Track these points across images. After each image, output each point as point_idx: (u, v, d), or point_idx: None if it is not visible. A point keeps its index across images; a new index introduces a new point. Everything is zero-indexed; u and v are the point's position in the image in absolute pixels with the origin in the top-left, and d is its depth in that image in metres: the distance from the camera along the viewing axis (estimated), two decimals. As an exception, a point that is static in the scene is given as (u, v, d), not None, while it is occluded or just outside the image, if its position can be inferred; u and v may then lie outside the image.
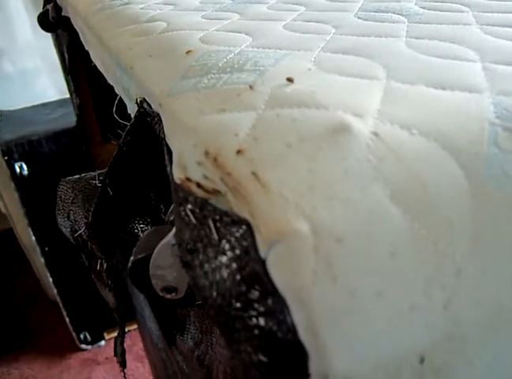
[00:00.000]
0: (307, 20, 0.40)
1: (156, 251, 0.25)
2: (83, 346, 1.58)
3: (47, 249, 1.41)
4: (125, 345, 0.66)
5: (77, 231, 0.46)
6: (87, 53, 0.56)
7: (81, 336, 1.57)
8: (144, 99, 0.33)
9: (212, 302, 0.19)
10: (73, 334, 1.55)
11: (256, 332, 0.18)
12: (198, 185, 0.21)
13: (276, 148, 0.19)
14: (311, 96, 0.22)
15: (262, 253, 0.17)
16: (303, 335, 0.16)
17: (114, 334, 1.67)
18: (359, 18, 0.40)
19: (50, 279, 1.45)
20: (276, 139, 0.19)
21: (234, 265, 0.18)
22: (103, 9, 0.51)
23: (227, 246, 0.19)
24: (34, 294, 1.73)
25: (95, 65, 0.54)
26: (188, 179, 0.21)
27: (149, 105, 0.32)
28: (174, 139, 0.24)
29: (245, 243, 0.18)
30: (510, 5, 0.41)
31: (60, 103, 1.53)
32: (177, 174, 0.22)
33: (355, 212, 0.17)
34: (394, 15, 0.40)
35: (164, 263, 0.25)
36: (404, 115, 0.21)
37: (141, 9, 0.48)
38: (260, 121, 0.21)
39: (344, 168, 0.18)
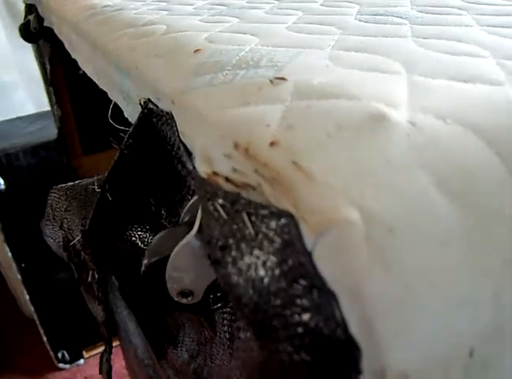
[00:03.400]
0: (309, 22, 0.40)
1: (174, 252, 0.24)
2: (61, 365, 1.53)
3: (23, 265, 1.37)
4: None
5: (71, 241, 0.45)
6: (69, 64, 0.55)
7: (59, 355, 1.52)
8: (148, 99, 0.32)
9: (247, 300, 0.18)
10: (51, 353, 1.51)
11: (299, 329, 0.17)
12: (227, 179, 0.20)
13: (315, 137, 0.18)
14: (340, 88, 0.21)
15: (309, 244, 0.16)
16: (356, 330, 0.15)
17: (94, 352, 1.62)
18: (360, 21, 0.40)
19: (27, 297, 1.41)
20: (314, 128, 0.19)
21: (273, 259, 0.17)
22: (95, 15, 0.50)
23: (264, 240, 0.18)
24: (9, 312, 1.68)
25: (77, 76, 0.53)
26: (215, 173, 0.20)
27: (155, 105, 0.31)
28: (194, 134, 0.23)
29: (286, 236, 0.17)
30: (506, 9, 0.41)
31: (38, 116, 1.51)
32: (202, 169, 0.21)
33: (403, 200, 0.16)
34: (394, 18, 0.40)
35: (183, 265, 0.24)
36: (435, 106, 0.21)
37: (136, 14, 0.47)
38: (290, 112, 0.20)
39: (386, 157, 0.17)
